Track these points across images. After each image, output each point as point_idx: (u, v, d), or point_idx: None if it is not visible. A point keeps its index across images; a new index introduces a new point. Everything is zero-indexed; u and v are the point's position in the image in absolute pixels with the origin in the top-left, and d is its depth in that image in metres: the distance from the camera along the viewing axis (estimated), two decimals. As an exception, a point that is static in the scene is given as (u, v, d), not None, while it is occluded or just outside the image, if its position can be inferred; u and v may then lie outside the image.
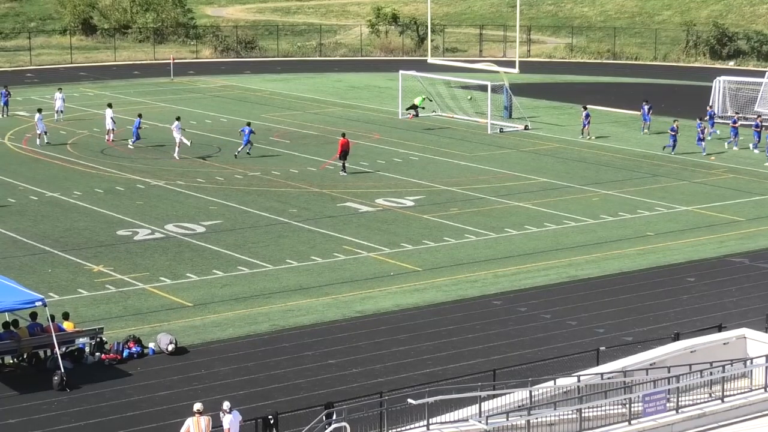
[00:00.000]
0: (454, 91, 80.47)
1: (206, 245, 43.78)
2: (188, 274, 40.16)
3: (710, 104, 69.60)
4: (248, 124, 61.10)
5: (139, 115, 63.94)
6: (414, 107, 71.99)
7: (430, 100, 73.03)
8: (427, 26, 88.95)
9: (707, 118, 66.30)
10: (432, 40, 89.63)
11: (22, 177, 55.19)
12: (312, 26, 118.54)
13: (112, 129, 64.23)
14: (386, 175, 56.26)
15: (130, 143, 62.53)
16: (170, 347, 32.65)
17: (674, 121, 63.33)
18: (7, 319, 32.29)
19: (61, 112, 70.64)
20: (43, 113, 64.29)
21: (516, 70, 71.44)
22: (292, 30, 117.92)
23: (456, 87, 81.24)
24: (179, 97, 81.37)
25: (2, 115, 71.90)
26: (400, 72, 75.04)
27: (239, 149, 59.85)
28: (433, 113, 73.67)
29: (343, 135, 57.42)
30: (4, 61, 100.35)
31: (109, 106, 65.31)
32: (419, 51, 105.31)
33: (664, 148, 62.34)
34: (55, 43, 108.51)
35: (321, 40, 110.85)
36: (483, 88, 71.38)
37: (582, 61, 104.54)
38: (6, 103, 72.57)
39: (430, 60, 79.24)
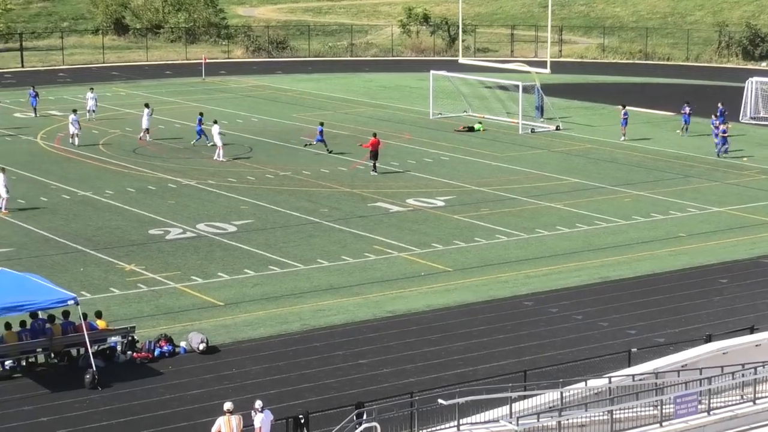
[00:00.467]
0: (484, 91, 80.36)
1: (237, 244, 43.88)
2: (219, 274, 40.27)
3: (721, 102, 68.71)
4: (321, 124, 61.78)
5: (201, 114, 64.13)
6: (471, 129, 69.97)
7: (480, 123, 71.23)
8: (458, 26, 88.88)
9: (718, 115, 65.77)
10: (463, 40, 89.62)
11: (54, 176, 55.47)
12: (343, 26, 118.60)
13: (148, 128, 64.43)
14: (417, 175, 56.24)
15: (193, 142, 62.45)
16: (201, 346, 32.73)
17: (725, 123, 62.51)
18: (41, 316, 32.38)
19: (93, 111, 70.94)
20: (78, 113, 64.58)
21: (547, 71, 71.28)
22: (324, 30, 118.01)
23: (488, 87, 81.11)
24: (210, 96, 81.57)
25: (33, 116, 72.18)
26: (431, 72, 74.99)
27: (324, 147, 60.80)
28: (464, 113, 73.56)
29: (374, 135, 57.45)
30: (36, 61, 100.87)
31: (146, 105, 65.54)
32: (450, 51, 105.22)
33: (720, 153, 61.32)
34: (87, 42, 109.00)
35: (352, 40, 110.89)
36: (515, 88, 71.23)
37: (614, 61, 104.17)
38: (35, 104, 72.75)
39: (462, 60, 79.17)
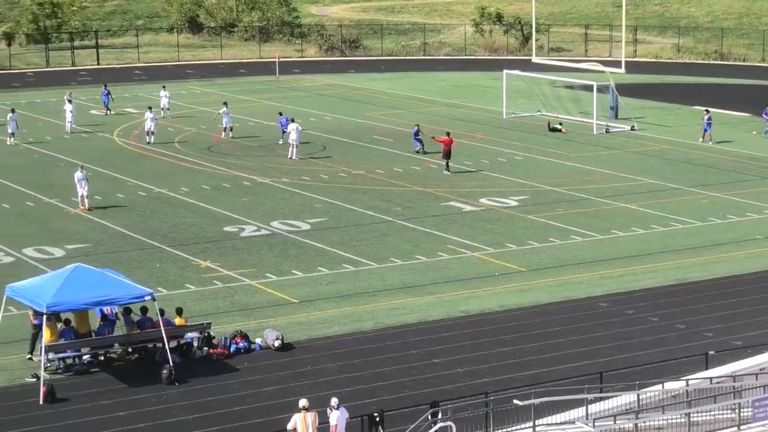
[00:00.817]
0: (558, 90, 79.96)
1: (311, 242, 44.03)
2: (294, 271, 40.42)
3: None
4: (417, 126, 61.58)
5: (280, 114, 64.46)
6: (554, 129, 69.50)
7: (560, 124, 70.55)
8: (531, 25, 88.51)
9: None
10: (537, 40, 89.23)
11: (130, 173, 56.00)
12: (416, 25, 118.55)
13: (227, 127, 64.76)
14: (490, 175, 56.09)
15: (280, 141, 62.70)
16: (276, 343, 32.88)
17: None
18: (115, 311, 32.70)
19: (167, 109, 71.48)
20: (154, 111, 65.19)
21: (622, 70, 70.75)
22: (396, 29, 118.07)
23: (561, 87, 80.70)
24: (284, 95, 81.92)
25: (106, 113, 72.71)
26: (505, 71, 74.72)
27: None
28: (538, 113, 73.25)
29: (448, 134, 57.39)
30: (112, 59, 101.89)
31: (225, 104, 65.88)
32: (524, 50, 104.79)
33: None
34: (162, 41, 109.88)
35: (425, 39, 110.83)
36: (588, 88, 70.78)
37: (689, 61, 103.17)
38: (107, 102, 73.33)
39: (535, 59, 78.81)
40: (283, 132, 62.18)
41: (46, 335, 30.99)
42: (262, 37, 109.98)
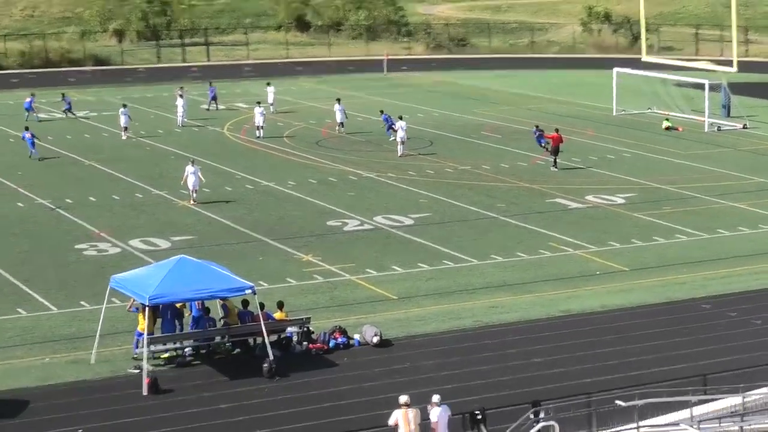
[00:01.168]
0: (669, 88, 78.59)
1: (413, 238, 43.67)
2: (394, 267, 40.08)
3: None
4: (536, 126, 59.86)
5: (381, 112, 64.36)
6: (672, 128, 67.94)
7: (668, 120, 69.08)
8: (640, 25, 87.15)
9: None
10: (647, 39, 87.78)
11: (239, 166, 56.19)
12: (523, 24, 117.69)
13: (342, 122, 64.69)
14: (598, 172, 55.19)
15: (391, 137, 62.53)
16: (375, 339, 32.57)
17: None
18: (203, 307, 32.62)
19: (272, 104, 71.47)
20: (263, 106, 65.41)
21: (734, 69, 69.25)
22: (503, 28, 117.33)
23: (673, 85, 79.32)
24: (392, 91, 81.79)
25: (214, 108, 72.84)
26: (615, 70, 73.60)
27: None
28: (648, 110, 72.08)
29: (556, 130, 56.66)
30: (222, 56, 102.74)
31: (338, 101, 65.80)
32: (633, 49, 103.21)
33: None
34: (270, 38, 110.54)
35: (533, 38, 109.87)
36: (700, 86, 69.40)
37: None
38: (214, 98, 73.52)
39: (645, 58, 77.53)
40: (390, 128, 61.83)
41: (142, 325, 31.10)
42: (369, 35, 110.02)
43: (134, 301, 31.48)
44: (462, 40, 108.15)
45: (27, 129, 59.91)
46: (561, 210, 48.06)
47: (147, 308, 30.68)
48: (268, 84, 74.13)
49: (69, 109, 70.58)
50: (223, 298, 32.04)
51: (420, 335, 33.59)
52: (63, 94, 72.46)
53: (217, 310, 32.67)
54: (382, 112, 64.70)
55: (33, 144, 58.55)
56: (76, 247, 42.31)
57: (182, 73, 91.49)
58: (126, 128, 63.41)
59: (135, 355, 31.32)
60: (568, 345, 32.86)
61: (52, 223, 45.87)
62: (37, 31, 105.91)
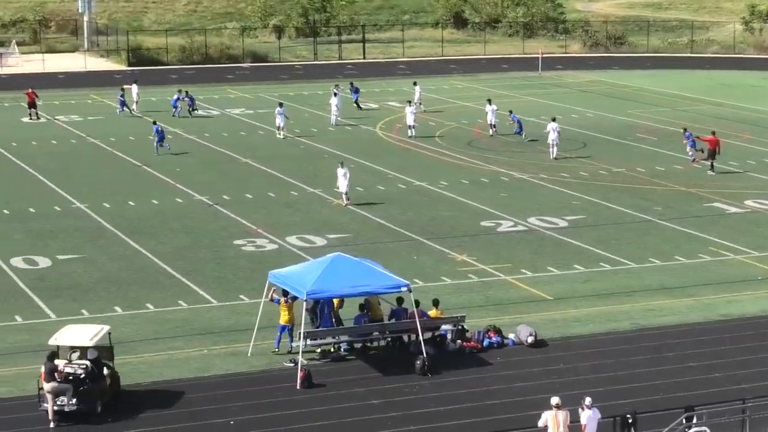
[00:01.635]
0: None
1: (568, 240, 43.75)
2: (549, 268, 40.26)
3: None
4: (685, 130, 58.76)
5: (510, 112, 64.61)
6: None
7: None
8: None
9: None
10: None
11: (391, 165, 56.83)
12: (684, 22, 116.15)
13: (493, 123, 64.80)
14: (757, 177, 54.44)
15: (527, 140, 62.78)
16: (530, 339, 32.82)
17: None
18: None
19: (419, 104, 71.53)
20: (413, 105, 65.91)
21: None
22: (663, 26, 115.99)
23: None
24: (546, 91, 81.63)
25: (358, 108, 73.19)
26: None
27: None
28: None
29: (713, 133, 56.05)
30: (377, 53, 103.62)
31: (489, 101, 65.90)
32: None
33: None
34: (427, 36, 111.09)
35: (692, 36, 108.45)
36: None
37: None
38: (356, 100, 73.67)
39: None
40: (521, 129, 61.86)
41: (284, 318, 32.03)
42: (526, 32, 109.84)
43: (274, 291, 32.34)
44: (620, 38, 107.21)
45: (155, 123, 61.35)
46: (719, 214, 47.59)
47: (289, 300, 31.70)
48: (415, 83, 74.54)
49: (192, 107, 71.39)
50: (379, 295, 32.64)
51: (575, 336, 33.76)
52: (185, 92, 72.77)
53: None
54: (510, 112, 64.49)
55: (161, 139, 59.92)
56: (235, 242, 43.43)
57: (338, 71, 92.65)
58: (280, 128, 64.46)
59: (275, 350, 32.15)
60: (726, 350, 32.69)
61: (210, 219, 47.10)
62: (199, 26, 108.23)
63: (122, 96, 72.32)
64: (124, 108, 71.73)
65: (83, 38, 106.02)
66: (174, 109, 70.96)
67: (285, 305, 32.27)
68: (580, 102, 76.62)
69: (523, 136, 62.42)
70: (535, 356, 32.21)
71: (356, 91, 74.26)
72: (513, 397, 29.48)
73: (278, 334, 32.43)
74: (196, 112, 71.73)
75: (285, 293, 32.25)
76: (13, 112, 73.07)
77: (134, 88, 73.36)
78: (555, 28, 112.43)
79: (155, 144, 59.82)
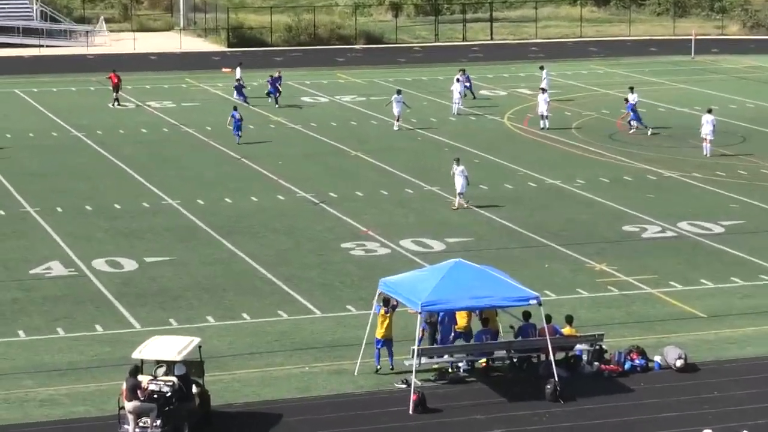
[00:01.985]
0: None
1: (725, 248, 43.05)
2: (702, 281, 39.62)
3: None
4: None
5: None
6: None
7: None
8: None
9: None
10: None
11: (521, 161, 56.39)
12: None
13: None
14: None
15: (649, 131, 61.99)
16: (678, 362, 32.22)
17: None
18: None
19: (546, 90, 70.41)
20: (548, 93, 65.29)
21: None
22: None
23: None
24: (699, 78, 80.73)
25: (471, 97, 72.27)
26: None
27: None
28: None
29: None
30: (507, 33, 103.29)
31: (631, 89, 64.88)
32: None
33: None
34: (563, 14, 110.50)
35: None
36: None
37: None
38: (470, 88, 72.50)
39: None
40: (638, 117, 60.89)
41: (380, 331, 31.80)
42: (677, 11, 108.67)
43: (377, 299, 32.09)
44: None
45: (235, 109, 61.50)
46: None
47: (390, 310, 31.57)
48: (542, 67, 73.62)
49: (273, 93, 70.86)
50: (503, 308, 32.23)
51: (732, 360, 33.11)
52: (271, 76, 72.84)
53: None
54: (626, 100, 63.34)
55: (239, 127, 60.05)
56: (342, 245, 43.35)
57: (462, 54, 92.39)
58: (398, 117, 64.13)
59: (377, 369, 31.91)
60: None
61: (315, 218, 47.13)
62: (306, 3, 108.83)
63: (241, 81, 71.89)
64: (241, 97, 70.92)
65: (179, 15, 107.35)
66: (268, 97, 70.97)
67: (383, 316, 31.93)
68: (739, 90, 75.65)
69: (639, 127, 61.32)
70: (685, 382, 31.63)
71: (468, 79, 73.23)
72: (658, 429, 28.92)
73: (376, 350, 32.14)
74: (274, 97, 71.04)
75: (386, 302, 31.93)
76: (99, 96, 74.17)
77: (238, 72, 73.68)
78: (710, 6, 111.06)
79: (234, 132, 60.02)
